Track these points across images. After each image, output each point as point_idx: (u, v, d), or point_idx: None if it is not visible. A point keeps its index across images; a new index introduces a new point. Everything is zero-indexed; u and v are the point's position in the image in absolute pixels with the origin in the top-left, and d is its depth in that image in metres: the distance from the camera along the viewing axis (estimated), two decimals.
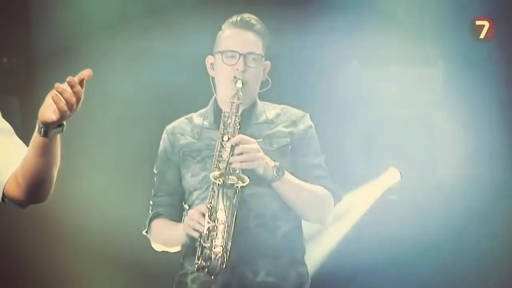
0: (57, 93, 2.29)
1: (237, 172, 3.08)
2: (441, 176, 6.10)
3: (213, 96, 3.39)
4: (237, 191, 3.06)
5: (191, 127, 3.37)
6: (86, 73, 2.33)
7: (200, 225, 3.02)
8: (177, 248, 3.32)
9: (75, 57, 5.59)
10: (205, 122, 3.35)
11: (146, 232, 3.40)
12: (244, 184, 3.05)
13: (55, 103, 2.30)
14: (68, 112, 2.31)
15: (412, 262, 5.90)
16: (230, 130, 3.15)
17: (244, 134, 3.24)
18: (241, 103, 3.20)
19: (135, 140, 5.87)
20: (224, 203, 3.04)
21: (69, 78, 2.30)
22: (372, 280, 5.98)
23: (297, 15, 5.65)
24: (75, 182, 5.73)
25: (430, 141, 6.14)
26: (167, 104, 5.59)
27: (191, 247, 3.13)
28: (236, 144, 3.11)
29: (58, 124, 2.36)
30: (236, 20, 3.33)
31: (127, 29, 5.71)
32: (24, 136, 2.59)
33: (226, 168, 3.05)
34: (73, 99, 2.30)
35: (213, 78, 3.38)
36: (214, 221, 3.01)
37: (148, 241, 3.44)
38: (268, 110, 3.38)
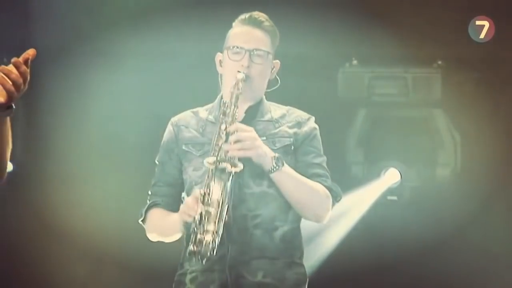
0: (3, 75, 2.26)
1: (232, 159, 3.08)
2: (441, 176, 6.10)
3: (220, 93, 3.40)
4: (231, 176, 3.06)
5: (196, 121, 3.37)
6: (30, 52, 2.30)
7: (194, 210, 3.03)
8: (172, 238, 3.31)
9: (75, 57, 5.59)
10: (210, 116, 3.36)
11: (142, 221, 3.40)
12: (238, 170, 3.06)
13: (2, 85, 2.27)
14: (15, 93, 2.28)
15: (412, 262, 5.90)
16: (229, 119, 3.16)
17: None
18: (240, 93, 3.19)
19: (136, 140, 5.88)
20: (218, 188, 3.04)
21: (14, 59, 2.27)
22: (372, 280, 5.99)
23: (296, 15, 5.66)
24: (76, 182, 5.74)
25: (430, 141, 6.14)
26: (168, 103, 5.59)
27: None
28: (233, 132, 3.11)
29: (7, 106, 2.32)
30: (245, 17, 3.34)
31: (127, 29, 5.72)
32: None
33: (219, 154, 3.06)
34: (20, 80, 2.28)
35: (221, 75, 3.38)
36: (207, 206, 3.01)
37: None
38: (274, 110, 3.38)
